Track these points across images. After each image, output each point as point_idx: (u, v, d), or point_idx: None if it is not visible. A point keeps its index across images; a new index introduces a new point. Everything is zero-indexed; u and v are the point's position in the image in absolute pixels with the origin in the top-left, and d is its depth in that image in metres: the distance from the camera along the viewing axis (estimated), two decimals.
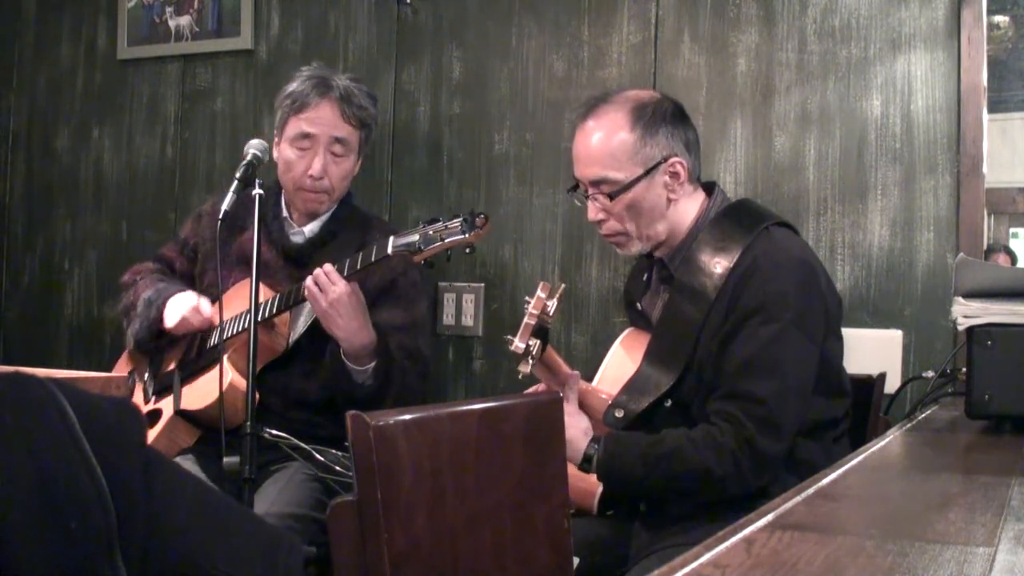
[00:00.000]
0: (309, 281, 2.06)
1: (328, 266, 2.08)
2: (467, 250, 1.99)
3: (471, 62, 2.72)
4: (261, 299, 2.12)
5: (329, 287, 2.05)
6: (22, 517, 0.78)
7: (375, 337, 2.14)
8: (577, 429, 1.73)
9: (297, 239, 2.32)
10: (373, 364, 2.14)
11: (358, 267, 2.05)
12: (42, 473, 0.80)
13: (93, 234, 3.23)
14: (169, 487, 0.91)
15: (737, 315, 1.72)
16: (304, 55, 2.90)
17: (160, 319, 2.28)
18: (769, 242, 1.79)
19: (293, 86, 2.30)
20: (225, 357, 2.13)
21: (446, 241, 1.95)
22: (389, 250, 2.00)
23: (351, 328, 2.08)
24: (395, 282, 2.27)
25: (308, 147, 2.25)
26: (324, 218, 2.33)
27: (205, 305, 2.26)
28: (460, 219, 1.95)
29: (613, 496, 1.82)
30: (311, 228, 2.33)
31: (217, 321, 2.23)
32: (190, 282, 2.44)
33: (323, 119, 2.24)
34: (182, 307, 2.25)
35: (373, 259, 2.03)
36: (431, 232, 1.97)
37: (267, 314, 2.14)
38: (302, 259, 2.27)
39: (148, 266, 2.49)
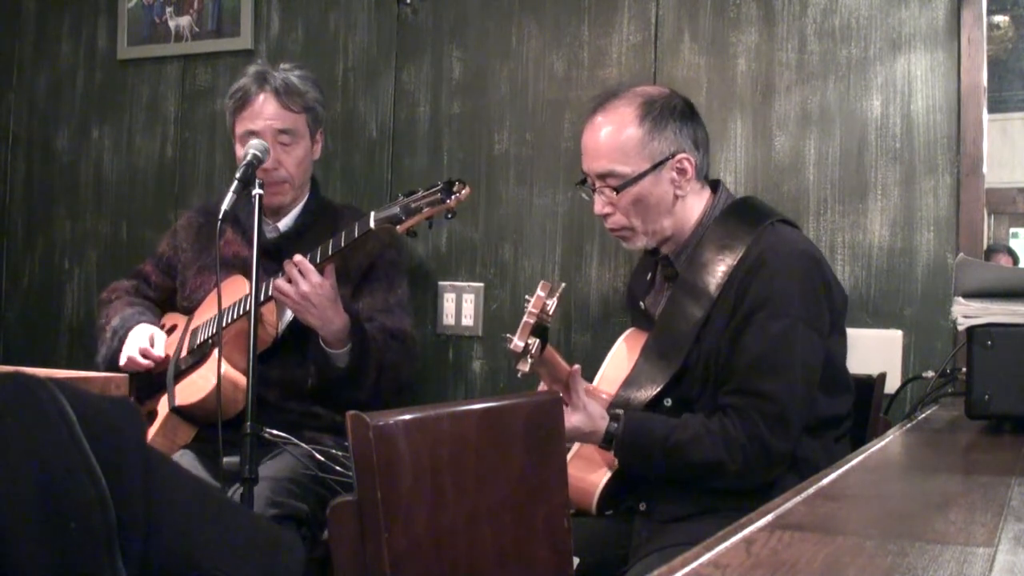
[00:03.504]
0: (278, 281, 2.09)
1: (297, 257, 2.10)
2: (448, 215, 2.03)
3: (471, 62, 2.72)
4: (240, 295, 2.17)
5: (298, 282, 2.08)
6: (22, 517, 0.78)
7: (348, 319, 2.16)
8: (596, 416, 1.74)
9: (271, 235, 2.34)
10: (349, 346, 2.17)
11: (342, 244, 2.08)
12: (42, 473, 0.80)
13: (93, 234, 3.23)
14: (169, 487, 0.91)
15: (745, 309, 1.73)
16: (304, 55, 2.90)
17: (121, 350, 2.31)
18: (774, 237, 1.80)
19: (234, 85, 2.34)
20: (215, 351, 2.14)
21: (425, 210, 2.01)
22: (372, 224, 2.05)
23: (325, 316, 2.12)
24: (373, 266, 2.31)
25: None
26: (296, 211, 2.36)
27: (158, 345, 2.29)
28: (438, 187, 2.01)
29: (614, 495, 1.82)
30: (284, 223, 2.36)
31: (168, 356, 2.28)
32: (168, 294, 2.49)
33: (264, 113, 2.27)
34: (134, 346, 2.28)
35: (356, 235, 2.07)
36: (411, 203, 2.02)
37: (246, 308, 2.15)
38: (278, 253, 2.29)
39: (124, 284, 2.53)
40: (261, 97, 2.28)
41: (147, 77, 3.16)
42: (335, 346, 2.17)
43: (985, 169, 2.23)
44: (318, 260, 2.11)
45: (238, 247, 2.33)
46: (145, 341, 2.28)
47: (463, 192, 2.00)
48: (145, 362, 2.26)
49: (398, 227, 2.03)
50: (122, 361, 2.28)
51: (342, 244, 2.09)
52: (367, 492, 1.14)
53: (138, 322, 2.35)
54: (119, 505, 0.82)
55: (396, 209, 2.03)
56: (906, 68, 2.28)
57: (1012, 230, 3.67)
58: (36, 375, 0.85)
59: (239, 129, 2.30)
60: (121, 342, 2.32)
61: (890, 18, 2.30)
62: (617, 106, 1.86)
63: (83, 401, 0.85)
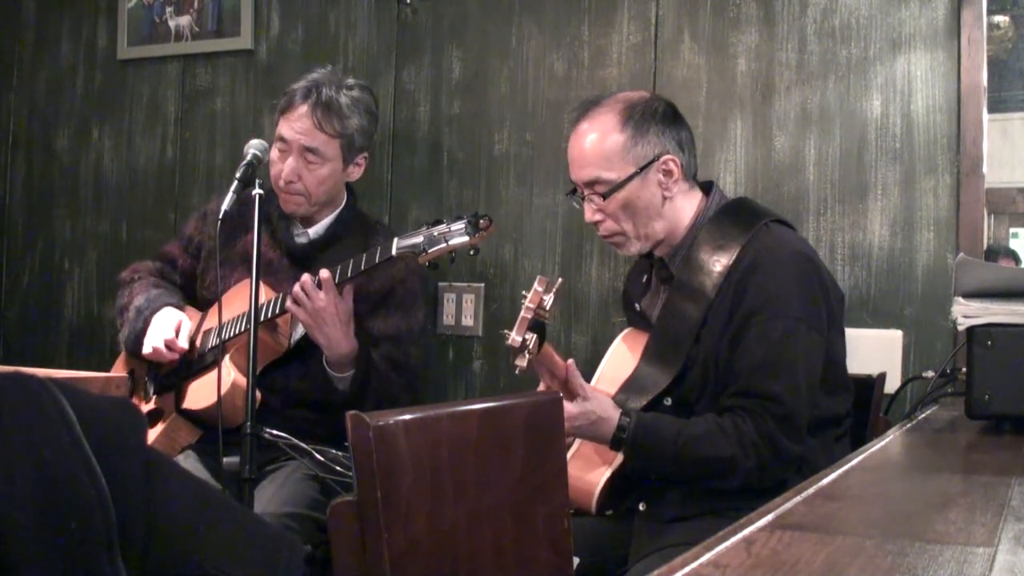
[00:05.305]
0: (296, 288, 2.08)
1: (324, 273, 2.08)
2: (471, 252, 2.00)
3: (471, 62, 2.72)
4: (261, 300, 2.13)
5: (314, 296, 2.06)
6: (22, 517, 0.78)
7: (356, 346, 2.15)
8: (607, 405, 1.74)
9: (301, 240, 2.33)
10: (352, 372, 2.16)
11: (362, 268, 2.06)
12: (42, 473, 0.80)
13: (93, 234, 3.23)
14: (169, 487, 0.91)
15: (742, 312, 1.73)
16: (304, 55, 2.91)
17: (145, 331, 2.28)
18: (769, 238, 1.80)
19: (291, 86, 2.31)
20: (227, 357, 2.14)
21: (450, 243, 1.97)
22: (393, 251, 2.02)
23: (334, 337, 2.10)
24: (393, 290, 2.29)
25: (285, 150, 2.26)
26: (328, 220, 2.34)
27: (183, 336, 2.26)
28: (464, 221, 1.98)
29: (614, 494, 1.82)
30: (315, 230, 2.34)
31: (191, 351, 2.25)
32: (191, 279, 2.45)
33: (298, 126, 2.24)
34: (158, 335, 2.24)
35: (377, 260, 2.04)
36: (435, 234, 1.99)
37: (264, 317, 2.14)
38: (306, 260, 2.28)
39: (148, 265, 2.49)
40: (301, 109, 2.25)
41: (147, 77, 3.16)
42: (337, 369, 2.16)
43: (985, 169, 2.23)
44: (336, 280, 2.09)
45: (263, 248, 2.30)
46: (171, 331, 2.24)
47: (489, 228, 1.98)
48: (170, 354, 2.23)
49: (419, 257, 2.00)
50: (146, 350, 2.25)
51: (362, 267, 2.06)
52: (367, 492, 1.14)
53: (164, 304, 2.31)
54: (119, 505, 0.82)
55: (419, 239, 2.00)
56: (906, 68, 2.28)
57: (1012, 230, 3.66)
58: (36, 375, 0.85)
59: (277, 131, 2.29)
60: (146, 323, 2.28)
61: (890, 18, 2.30)
62: (599, 113, 1.87)
63: (83, 401, 0.85)
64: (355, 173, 2.36)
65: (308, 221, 2.34)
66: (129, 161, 3.18)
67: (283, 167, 2.25)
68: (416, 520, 1.19)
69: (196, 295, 2.43)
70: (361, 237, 2.33)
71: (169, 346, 2.22)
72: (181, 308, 2.35)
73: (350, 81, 2.33)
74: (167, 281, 2.46)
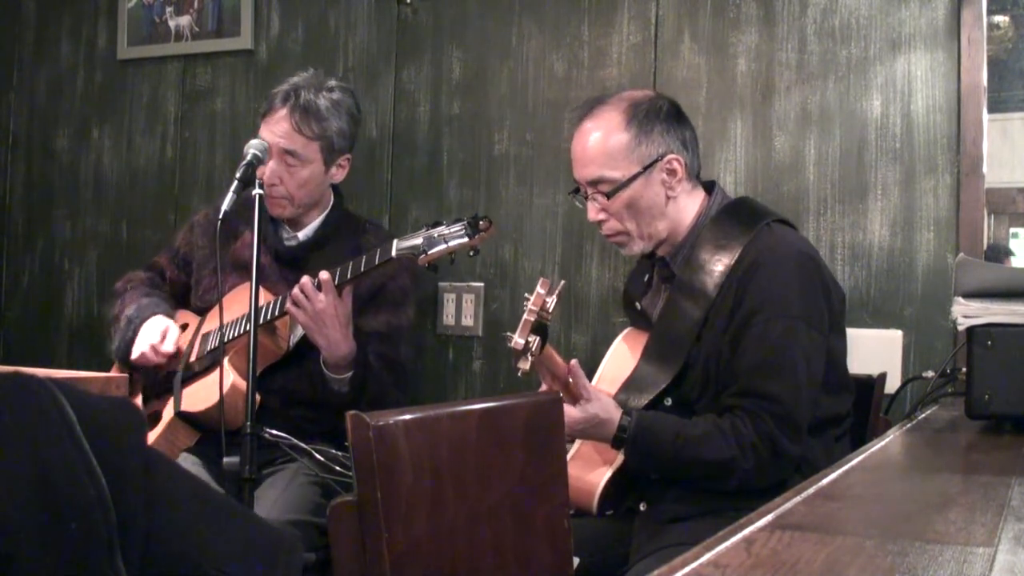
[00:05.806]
0: (296, 290, 2.08)
1: (324, 275, 2.08)
2: (471, 253, 2.00)
3: (471, 62, 2.72)
4: (260, 303, 2.13)
5: (314, 298, 2.06)
6: (22, 517, 0.78)
7: (355, 347, 2.15)
8: (609, 405, 1.74)
9: (291, 243, 2.33)
10: (350, 374, 2.16)
11: (362, 270, 2.06)
12: (42, 473, 0.80)
13: (93, 234, 3.23)
14: (169, 487, 0.91)
15: (744, 311, 1.73)
16: (304, 55, 2.91)
17: (135, 340, 2.30)
18: (771, 238, 1.80)
19: (273, 90, 2.32)
20: (226, 360, 2.14)
21: (450, 244, 1.97)
22: (393, 253, 2.02)
23: (333, 338, 2.10)
24: (384, 287, 2.29)
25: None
26: (317, 222, 2.35)
27: (169, 341, 2.27)
28: (463, 222, 1.97)
29: (614, 495, 1.82)
30: (304, 232, 2.35)
31: (180, 352, 2.26)
32: (182, 289, 2.47)
33: (277, 129, 2.25)
34: (146, 341, 2.27)
35: (377, 262, 2.04)
36: (435, 235, 1.98)
37: (263, 319, 2.14)
38: (297, 263, 2.28)
39: (139, 275, 2.51)
40: (280, 112, 2.26)
41: (147, 77, 3.16)
42: (335, 371, 2.17)
43: (985, 169, 2.23)
44: (336, 282, 2.09)
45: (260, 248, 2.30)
46: (157, 336, 2.26)
47: (489, 230, 1.98)
48: (156, 359, 2.25)
49: (419, 259, 2.00)
50: (134, 356, 2.27)
51: (361, 269, 2.07)
52: (367, 492, 1.14)
53: (153, 313, 2.33)
54: (119, 505, 0.82)
55: (419, 240, 1.99)
56: (906, 68, 2.28)
57: (1012, 230, 3.66)
58: (36, 375, 0.85)
59: (259, 134, 2.29)
60: (135, 332, 2.30)
61: (890, 18, 2.30)
62: (603, 112, 1.87)
63: (83, 401, 0.85)
64: (338, 175, 2.36)
65: (296, 224, 2.35)
66: (129, 161, 3.18)
67: (264, 170, 2.25)
68: (416, 520, 1.19)
69: (190, 305, 2.44)
70: (351, 237, 2.34)
71: (155, 349, 2.24)
72: (170, 316, 2.36)
73: (331, 83, 2.33)
74: (158, 291, 2.47)
